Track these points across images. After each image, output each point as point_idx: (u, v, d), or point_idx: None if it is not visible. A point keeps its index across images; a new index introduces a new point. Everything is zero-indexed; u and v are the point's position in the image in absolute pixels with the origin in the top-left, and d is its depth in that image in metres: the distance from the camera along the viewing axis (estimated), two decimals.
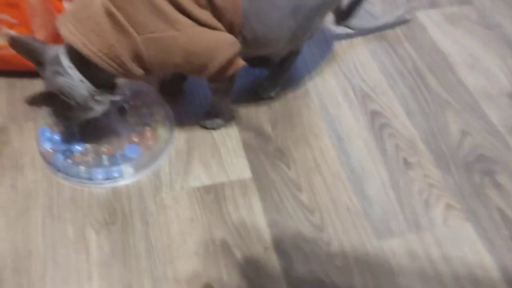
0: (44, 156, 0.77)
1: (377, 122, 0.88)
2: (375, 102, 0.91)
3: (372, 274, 0.69)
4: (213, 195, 0.77)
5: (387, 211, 0.76)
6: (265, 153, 0.83)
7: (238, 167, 0.80)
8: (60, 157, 0.76)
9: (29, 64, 0.71)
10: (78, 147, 0.78)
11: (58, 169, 0.76)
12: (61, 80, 0.68)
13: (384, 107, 0.91)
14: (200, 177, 0.78)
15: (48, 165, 0.76)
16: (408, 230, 0.74)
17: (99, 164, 0.77)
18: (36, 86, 0.84)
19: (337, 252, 0.72)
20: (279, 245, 0.71)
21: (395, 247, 0.72)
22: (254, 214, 0.75)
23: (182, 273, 0.67)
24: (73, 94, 0.69)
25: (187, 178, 0.78)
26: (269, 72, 0.92)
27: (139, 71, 0.70)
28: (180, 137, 0.84)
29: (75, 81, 0.68)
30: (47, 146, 0.77)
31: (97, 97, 0.71)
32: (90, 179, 0.75)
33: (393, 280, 0.68)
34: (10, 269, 0.65)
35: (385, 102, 0.92)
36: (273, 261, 0.70)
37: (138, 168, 0.77)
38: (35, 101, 0.70)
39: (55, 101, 0.70)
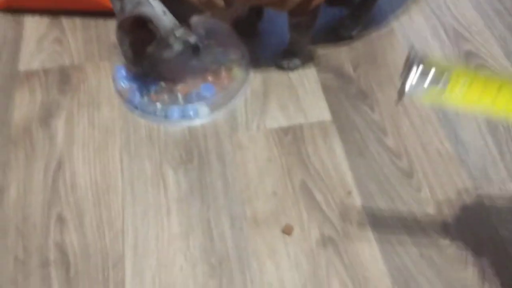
0: (120, 93, 0.76)
1: (472, 63, 0.79)
2: (470, 43, 0.82)
3: (468, 223, 0.63)
4: (291, 137, 0.73)
5: (485, 157, 0.69)
6: (346, 95, 0.77)
7: (317, 109, 0.75)
8: (136, 95, 0.74)
9: (104, 3, 0.69)
10: (153, 86, 0.76)
11: (135, 107, 0.74)
12: (145, 10, 0.66)
13: (480, 47, 0.81)
14: (277, 118, 0.75)
15: (124, 102, 0.75)
16: (509, 179, 0.67)
17: (174, 102, 0.75)
18: (111, 26, 0.83)
19: (428, 199, 0.66)
20: (363, 189, 0.67)
21: (494, 196, 0.65)
22: (336, 157, 0.70)
23: (260, 212, 0.65)
24: (158, 25, 0.67)
25: (264, 119, 0.75)
26: (350, 10, 0.85)
27: (220, 2, 0.66)
28: (256, 77, 0.80)
29: (158, 13, 0.66)
30: (124, 84, 0.76)
31: (177, 33, 0.68)
32: (166, 117, 0.74)
33: (494, 231, 0.62)
34: (91, 202, 0.66)
35: (481, 42, 0.82)
36: (357, 205, 0.65)
37: (213, 108, 0.75)
38: (119, 31, 0.69)
39: (139, 31, 0.68)
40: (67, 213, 0.65)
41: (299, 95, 0.77)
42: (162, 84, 0.76)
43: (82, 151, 0.71)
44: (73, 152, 0.71)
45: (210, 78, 0.77)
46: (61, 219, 0.64)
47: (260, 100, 0.77)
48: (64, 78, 0.79)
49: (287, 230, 0.63)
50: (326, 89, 0.78)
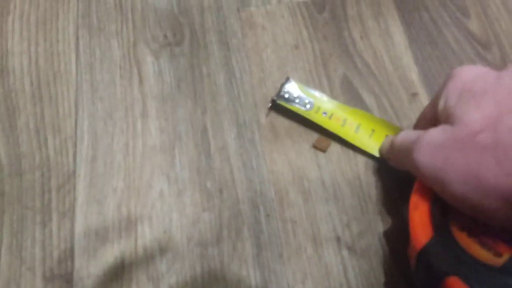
0: None
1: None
2: None
3: None
4: (329, 14, 0.50)
5: None
6: None
7: None
8: None
9: None
10: None
11: None
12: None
13: None
14: None
15: None
16: None
17: None
18: None
19: None
20: (434, 90, 0.46)
21: None
22: (394, 44, 0.48)
23: (281, 118, 0.44)
24: None
25: None
26: None
27: None
28: None
29: None
30: None
31: None
32: None
33: None
34: (29, 95, 0.44)
35: None
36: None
37: None
38: None
39: None
40: None
41: None
42: None
43: (20, 23, 0.48)
44: (6, 24, 0.48)
45: None
46: None
47: None
48: None
49: (320, 145, 0.42)
50: None
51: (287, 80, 0.44)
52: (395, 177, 0.40)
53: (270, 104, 0.43)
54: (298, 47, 0.47)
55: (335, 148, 0.42)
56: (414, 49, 0.47)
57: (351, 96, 0.44)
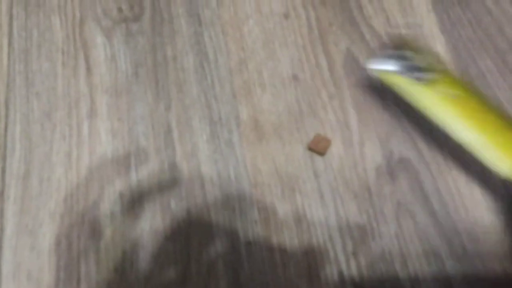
0: None
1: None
2: None
3: None
4: None
5: None
6: None
7: None
8: None
9: None
10: None
11: None
12: None
13: None
14: None
15: None
16: None
17: None
18: None
19: None
20: (464, 67, 0.36)
21: None
22: (412, 6, 0.37)
23: (267, 112, 0.34)
24: None
25: None
26: None
27: None
28: None
29: None
30: None
31: None
32: None
33: None
34: None
35: None
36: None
37: None
38: None
39: None
40: None
41: None
42: None
43: None
44: None
45: None
46: None
47: None
48: None
49: (317, 146, 0.33)
50: None
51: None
52: (417, 186, 0.30)
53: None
54: (289, 16, 0.37)
55: (336, 149, 0.32)
56: (439, 11, 0.37)
57: (357, 78, 0.34)
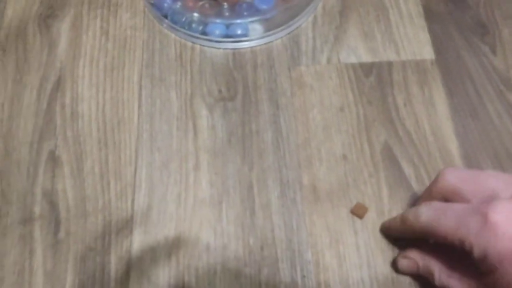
0: None
1: None
2: None
3: None
4: (375, 78, 0.52)
5: None
6: (459, 26, 0.55)
7: (415, 42, 0.54)
8: None
9: None
10: None
11: (163, 15, 0.55)
12: None
13: None
14: (357, 50, 0.54)
15: (151, 7, 0.56)
16: None
17: (218, 14, 0.54)
18: None
19: None
20: (473, 165, 0.48)
21: None
22: (436, 114, 0.50)
23: (322, 181, 0.46)
24: None
25: (338, 49, 0.54)
26: None
27: None
28: None
29: None
30: None
31: None
32: (204, 33, 0.54)
33: None
34: (95, 140, 0.49)
35: None
36: None
37: (269, 26, 0.54)
38: None
39: None
40: (62, 151, 0.48)
41: (391, 20, 0.55)
42: None
43: (90, 69, 0.53)
44: (77, 68, 0.53)
45: None
46: (53, 159, 0.48)
47: (335, 21, 0.56)
48: None
49: (358, 211, 0.45)
50: (431, 15, 0.55)
51: None
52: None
53: None
54: (343, 110, 0.50)
55: (371, 215, 0.45)
56: (455, 120, 0.49)
57: (391, 166, 0.47)
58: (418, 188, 0.46)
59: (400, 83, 0.51)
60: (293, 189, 0.46)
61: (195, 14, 0.53)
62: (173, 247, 0.43)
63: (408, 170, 0.47)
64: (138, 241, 0.44)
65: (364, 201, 0.45)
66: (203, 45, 0.54)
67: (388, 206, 0.45)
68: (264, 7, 0.54)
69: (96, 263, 0.43)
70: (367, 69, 0.52)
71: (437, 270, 0.38)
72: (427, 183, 0.46)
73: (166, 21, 0.54)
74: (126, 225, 0.44)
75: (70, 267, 0.43)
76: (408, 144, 0.48)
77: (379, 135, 0.49)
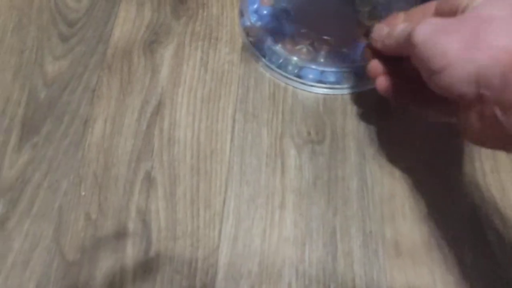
0: (247, 32, 0.59)
1: None
2: None
3: None
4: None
5: None
6: None
7: None
8: (268, 39, 0.58)
9: None
10: (291, 29, 0.59)
11: (262, 54, 0.57)
12: None
13: None
14: None
15: (250, 45, 0.59)
16: None
17: (313, 59, 0.57)
18: None
19: None
20: None
21: None
22: None
23: (405, 238, 0.47)
24: None
25: None
26: None
27: None
28: None
29: None
30: (254, 21, 0.59)
31: None
32: (298, 76, 0.56)
33: None
34: (189, 166, 0.51)
35: None
36: None
37: (363, 77, 0.57)
38: None
39: None
40: (158, 173, 0.51)
41: None
42: (303, 31, 0.58)
43: (188, 97, 0.56)
44: (177, 95, 0.56)
45: (365, 36, 0.58)
46: (149, 179, 0.51)
47: None
48: None
49: None
50: None
51: None
52: None
53: None
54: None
55: (450, 278, 0.45)
56: None
57: (477, 229, 0.47)
58: (501, 255, 0.46)
59: (487, 150, 0.52)
60: (375, 241, 0.47)
61: (293, 57, 0.56)
62: (255, 281, 0.45)
63: (491, 236, 0.47)
64: (223, 271, 0.45)
65: (446, 262, 0.46)
66: (296, 87, 0.56)
67: (470, 270, 0.45)
68: (359, 57, 0.56)
69: (181, 287, 0.45)
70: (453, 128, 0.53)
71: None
72: (510, 252, 0.46)
73: (263, 60, 0.57)
74: (213, 254, 0.46)
75: (157, 287, 0.45)
76: (494, 208, 0.48)
77: (468, 197, 0.49)
